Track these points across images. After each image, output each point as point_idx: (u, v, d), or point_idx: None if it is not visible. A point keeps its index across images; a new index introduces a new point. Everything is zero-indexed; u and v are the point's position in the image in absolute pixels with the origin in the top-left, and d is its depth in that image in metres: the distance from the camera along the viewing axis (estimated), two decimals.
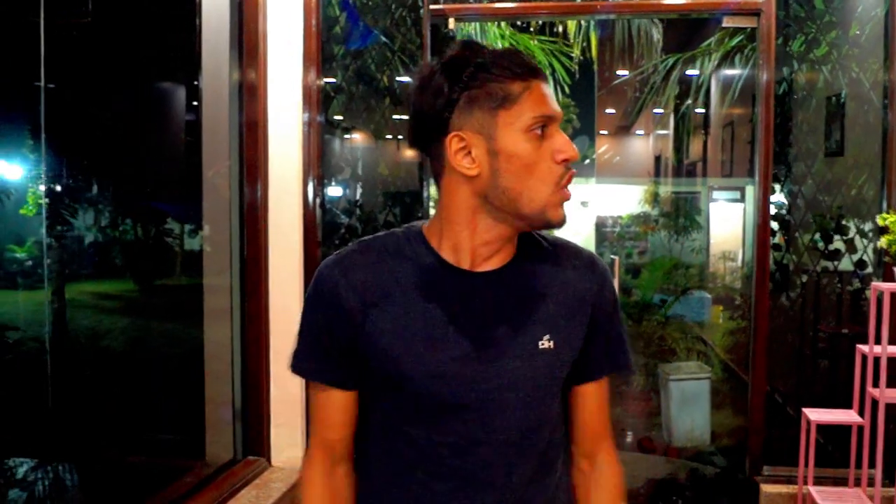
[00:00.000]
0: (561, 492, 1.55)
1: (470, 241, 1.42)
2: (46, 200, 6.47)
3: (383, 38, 4.47)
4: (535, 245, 1.51)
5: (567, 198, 1.37)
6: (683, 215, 13.23)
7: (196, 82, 4.24)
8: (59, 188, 6.03)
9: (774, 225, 4.20)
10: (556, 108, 1.36)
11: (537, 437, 1.47)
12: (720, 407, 6.48)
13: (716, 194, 13.34)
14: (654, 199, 13.96)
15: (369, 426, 1.53)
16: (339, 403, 1.50)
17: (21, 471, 3.97)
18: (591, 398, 1.57)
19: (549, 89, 1.37)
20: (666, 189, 14.55)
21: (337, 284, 1.43)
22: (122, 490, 4.00)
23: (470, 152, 1.36)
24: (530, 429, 1.45)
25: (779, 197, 4.24)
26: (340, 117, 4.60)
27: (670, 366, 6.73)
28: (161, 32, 4.60)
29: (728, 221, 12.25)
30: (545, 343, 1.43)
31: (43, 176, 5.67)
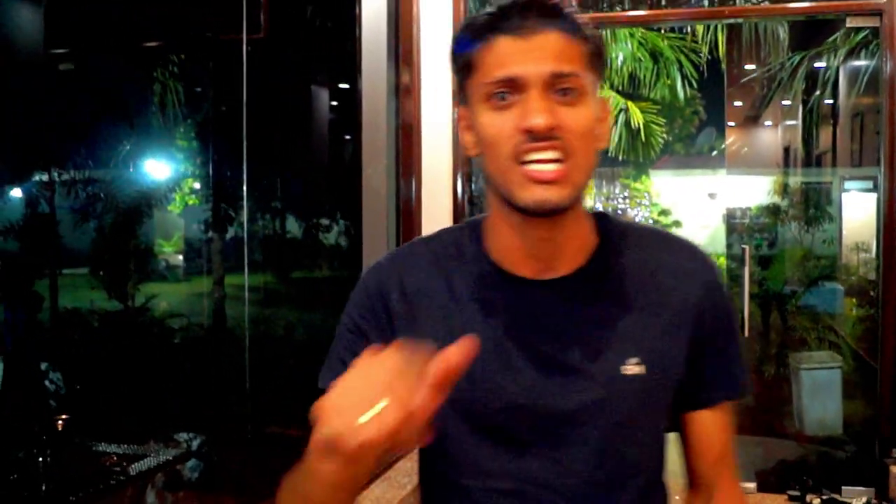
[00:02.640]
0: None
1: (512, 243, 1.21)
2: (210, 204, 7.04)
3: None
4: (624, 241, 1.26)
5: (533, 177, 1.10)
6: (813, 206, 13.11)
7: (357, 86, 4.68)
8: (226, 188, 6.57)
9: None
10: (524, 67, 1.10)
11: (626, 483, 1.22)
12: (852, 397, 6.55)
13: (848, 184, 13.16)
14: (784, 189, 13.86)
15: (422, 477, 1.35)
16: None
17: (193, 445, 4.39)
18: (707, 426, 1.30)
19: (525, 44, 1.11)
20: (795, 179, 14.41)
21: (386, 287, 1.26)
22: (288, 461, 4.42)
23: (471, 129, 1.20)
24: (614, 473, 1.21)
25: None
26: None
27: (801, 355, 6.82)
28: (325, 42, 5.04)
29: (861, 211, 12.09)
30: (632, 367, 1.19)
31: (211, 177, 6.21)
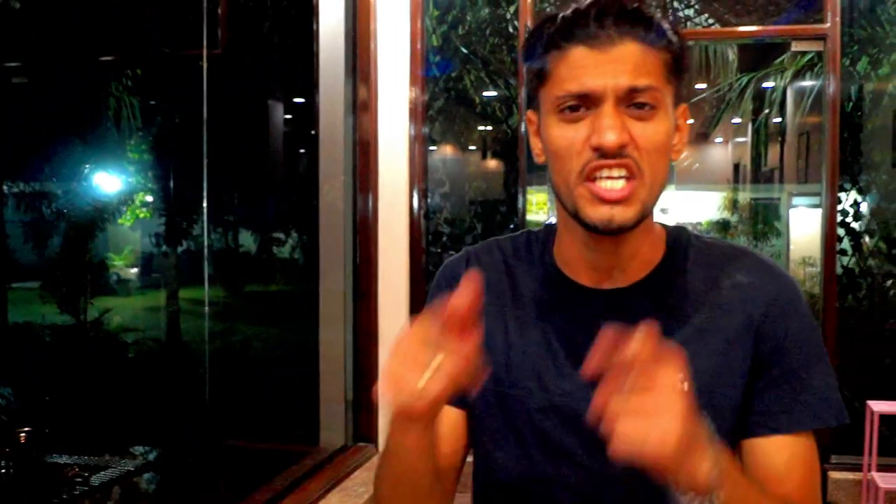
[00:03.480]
0: None
1: (576, 251, 1.20)
2: (163, 217, 7.05)
3: (479, 63, 4.92)
4: (694, 254, 1.22)
5: (600, 195, 1.07)
6: (762, 221, 13.34)
7: (314, 102, 4.74)
8: (180, 202, 6.59)
9: (843, 231, 4.54)
10: (598, 81, 1.05)
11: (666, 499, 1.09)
12: None
13: (795, 200, 13.40)
14: (734, 205, 14.09)
15: (474, 478, 1.32)
16: (460, 422, 1.26)
17: (149, 457, 4.40)
18: (769, 458, 1.16)
19: (600, 56, 1.06)
20: (745, 195, 14.67)
21: (460, 279, 1.13)
22: (247, 473, 4.45)
23: (539, 135, 1.18)
24: (655, 490, 1.05)
25: (848, 204, 4.57)
26: (433, 131, 5.06)
27: None
28: (282, 57, 5.10)
29: (808, 227, 12.30)
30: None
31: (165, 191, 6.23)
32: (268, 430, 5.09)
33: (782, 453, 1.15)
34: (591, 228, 1.10)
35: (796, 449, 1.16)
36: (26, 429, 2.46)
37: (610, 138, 1.04)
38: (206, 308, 4.34)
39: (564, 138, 1.08)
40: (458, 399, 1.20)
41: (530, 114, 1.19)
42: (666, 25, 1.08)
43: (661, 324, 1.07)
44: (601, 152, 1.05)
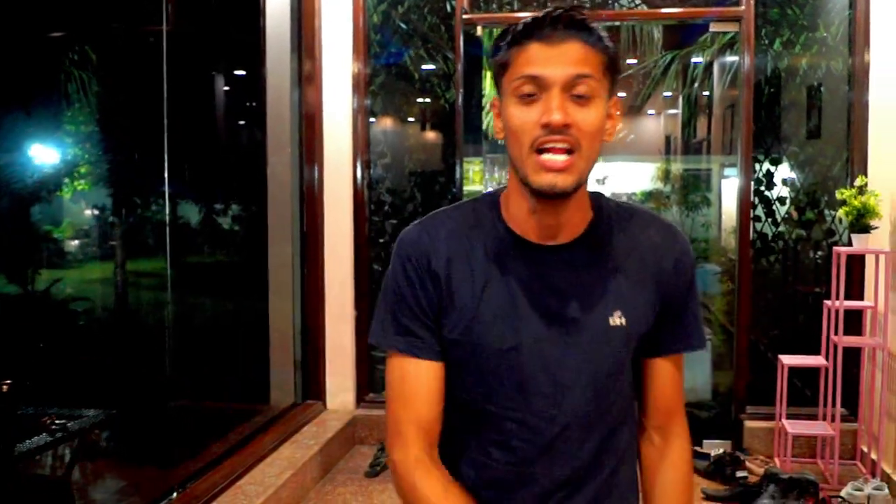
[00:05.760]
0: (627, 463, 1.53)
1: (525, 214, 1.41)
2: (109, 189, 7.12)
3: (418, 39, 5.13)
4: (613, 215, 1.48)
5: (546, 165, 1.30)
6: (694, 191, 13.67)
7: (261, 76, 4.92)
8: (126, 174, 6.68)
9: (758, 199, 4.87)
10: (548, 70, 1.30)
11: (608, 412, 1.45)
12: (722, 367, 7.04)
13: (727, 171, 13.69)
14: (666, 175, 14.41)
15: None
16: (438, 378, 1.45)
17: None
18: (664, 372, 1.53)
19: (551, 51, 1.31)
20: (677, 166, 15.02)
21: (426, 247, 1.44)
22: (203, 429, 4.63)
23: (500, 116, 1.40)
24: (601, 404, 1.43)
25: (763, 174, 4.89)
26: (375, 104, 5.26)
27: None
28: (228, 32, 5.24)
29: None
30: (616, 320, 1.41)
31: (112, 164, 6.34)
32: (221, 392, 5.29)
33: (671, 369, 1.53)
34: (537, 193, 1.33)
35: (678, 365, 1.54)
36: (7, 381, 2.64)
37: (556, 118, 1.28)
38: (169, 276, 4.50)
39: (520, 118, 1.32)
40: (437, 352, 1.43)
41: (495, 99, 1.42)
42: (603, 34, 1.34)
43: (598, 273, 1.42)
44: (549, 129, 1.29)
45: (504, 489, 1.45)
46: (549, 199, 1.35)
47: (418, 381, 1.43)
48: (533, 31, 1.32)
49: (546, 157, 1.30)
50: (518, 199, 1.41)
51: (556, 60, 1.30)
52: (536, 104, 1.30)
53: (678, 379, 1.55)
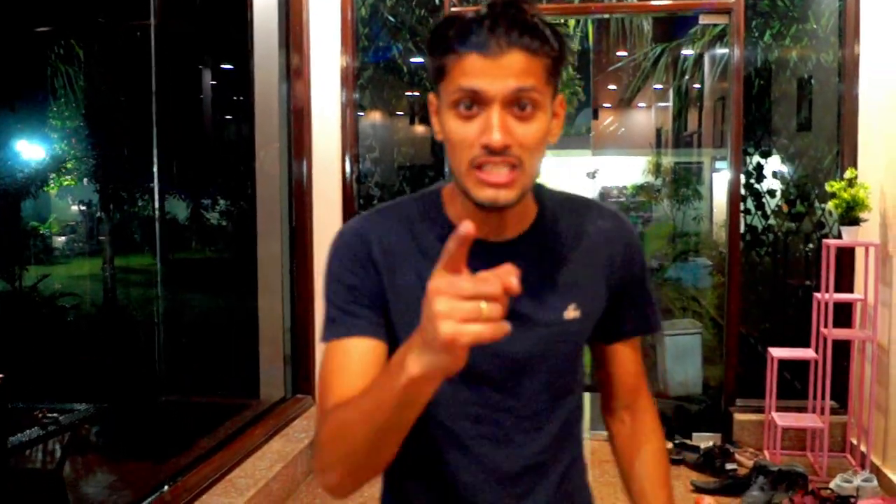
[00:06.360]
0: (579, 449, 1.52)
1: (469, 212, 1.32)
2: (96, 185, 7.10)
3: (406, 32, 5.11)
4: (557, 207, 1.43)
5: (487, 180, 1.23)
6: (685, 185, 13.67)
7: (249, 70, 4.89)
8: (114, 170, 6.66)
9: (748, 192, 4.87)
10: (487, 84, 1.20)
11: (561, 403, 1.43)
12: (713, 361, 7.05)
13: (719, 164, 13.68)
14: (657, 169, 14.41)
15: None
16: (374, 352, 1.32)
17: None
18: (625, 355, 1.55)
19: (491, 63, 1.20)
20: (668, 160, 15.00)
21: (367, 238, 1.36)
22: (194, 423, 4.63)
23: (438, 115, 1.31)
24: (554, 396, 1.41)
25: (753, 166, 4.89)
26: (363, 98, 5.24)
27: (666, 322, 7.27)
28: (215, 26, 5.22)
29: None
30: (572, 312, 1.38)
31: (98, 159, 6.31)
32: (211, 386, 5.29)
33: (632, 351, 1.55)
34: (479, 206, 1.25)
35: (637, 346, 1.56)
36: (0, 375, 2.64)
37: (496, 139, 1.19)
38: (159, 272, 4.49)
39: (458, 133, 1.22)
40: (380, 332, 1.32)
41: (432, 96, 1.32)
42: (549, 32, 1.23)
43: (548, 266, 1.37)
44: (489, 150, 1.20)
45: (458, 487, 1.40)
46: (491, 210, 1.28)
47: (350, 354, 1.30)
48: (470, 38, 1.21)
49: (486, 174, 1.22)
50: (461, 198, 1.33)
51: (496, 73, 1.20)
52: (475, 120, 1.22)
53: (639, 359, 1.57)
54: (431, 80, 1.30)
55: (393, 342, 1.32)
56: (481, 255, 1.26)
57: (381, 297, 1.33)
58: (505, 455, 1.39)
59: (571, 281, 1.39)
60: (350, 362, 1.29)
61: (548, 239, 1.39)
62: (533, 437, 1.40)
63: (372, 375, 1.24)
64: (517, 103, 1.22)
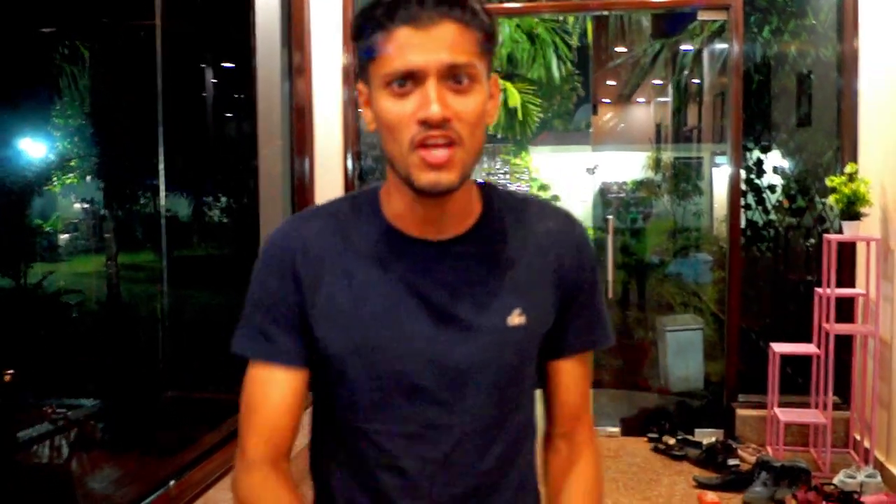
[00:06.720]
0: (531, 473, 1.42)
1: (407, 209, 1.28)
2: (100, 182, 7.12)
3: None
4: (504, 206, 1.35)
5: (429, 160, 1.17)
6: (685, 180, 13.68)
7: (251, 68, 4.90)
8: (117, 167, 6.68)
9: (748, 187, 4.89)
10: (420, 58, 1.16)
11: (508, 419, 1.33)
12: (714, 356, 7.06)
13: (719, 159, 13.67)
14: (657, 164, 14.42)
15: (318, 423, 1.39)
16: (292, 385, 1.28)
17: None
18: (569, 374, 1.40)
19: (423, 35, 1.16)
20: (669, 155, 15.01)
21: (291, 249, 1.29)
22: (199, 419, 4.64)
23: (370, 105, 1.25)
24: (501, 412, 1.31)
25: (753, 162, 4.91)
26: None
27: (666, 318, 7.27)
28: (219, 27, 5.23)
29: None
30: (516, 318, 1.29)
31: (102, 157, 6.32)
32: (216, 382, 5.30)
33: (577, 370, 1.40)
34: (420, 192, 1.20)
35: (584, 365, 1.41)
36: (10, 371, 2.66)
37: (434, 112, 1.14)
38: (165, 269, 4.49)
39: (394, 113, 1.17)
40: (299, 360, 1.28)
41: (360, 86, 1.26)
42: (478, 7, 1.19)
43: (491, 268, 1.30)
44: (427, 125, 1.15)
45: None
46: (432, 196, 1.22)
47: (274, 393, 1.27)
48: (399, 13, 1.15)
49: (426, 152, 1.17)
50: (398, 193, 1.27)
51: (429, 47, 1.15)
52: (411, 97, 1.17)
53: (585, 381, 1.42)
54: (359, 68, 1.25)
55: (320, 355, 1.28)
56: (420, 255, 1.28)
57: (301, 318, 1.27)
58: (445, 478, 1.29)
59: (517, 284, 1.30)
60: (271, 397, 1.27)
61: (492, 239, 1.31)
62: (476, 459, 1.30)
63: (294, 410, 1.28)
64: (453, 76, 1.17)
